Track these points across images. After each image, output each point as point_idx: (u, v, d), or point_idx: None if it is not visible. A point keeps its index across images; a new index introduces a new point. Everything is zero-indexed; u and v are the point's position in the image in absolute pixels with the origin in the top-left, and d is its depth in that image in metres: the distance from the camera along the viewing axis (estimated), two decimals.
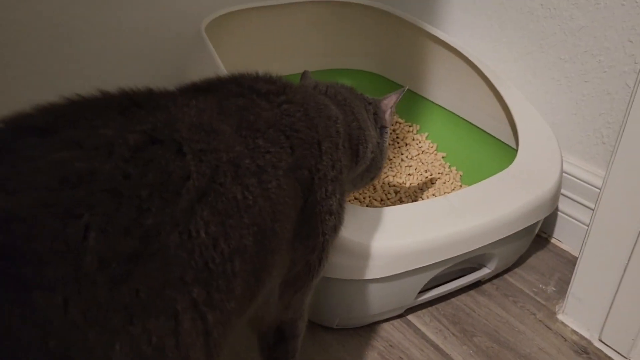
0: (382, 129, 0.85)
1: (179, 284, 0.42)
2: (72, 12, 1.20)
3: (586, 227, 0.90)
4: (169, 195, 0.42)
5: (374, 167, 0.85)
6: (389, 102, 0.86)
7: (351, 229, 0.80)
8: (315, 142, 0.63)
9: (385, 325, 0.93)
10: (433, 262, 0.86)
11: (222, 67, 1.01)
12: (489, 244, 0.91)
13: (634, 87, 0.79)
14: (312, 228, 0.63)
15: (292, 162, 0.58)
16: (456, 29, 1.33)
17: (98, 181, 0.39)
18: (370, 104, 0.83)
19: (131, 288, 0.39)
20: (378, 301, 0.88)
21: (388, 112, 0.86)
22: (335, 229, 0.68)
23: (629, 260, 0.84)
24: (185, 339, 0.41)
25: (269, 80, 0.65)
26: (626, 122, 0.81)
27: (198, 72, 1.12)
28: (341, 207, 0.68)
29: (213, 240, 0.44)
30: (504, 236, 0.92)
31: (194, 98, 0.54)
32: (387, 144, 0.87)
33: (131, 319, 0.38)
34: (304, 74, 0.89)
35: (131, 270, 0.39)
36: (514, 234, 0.94)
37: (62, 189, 0.38)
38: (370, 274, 0.83)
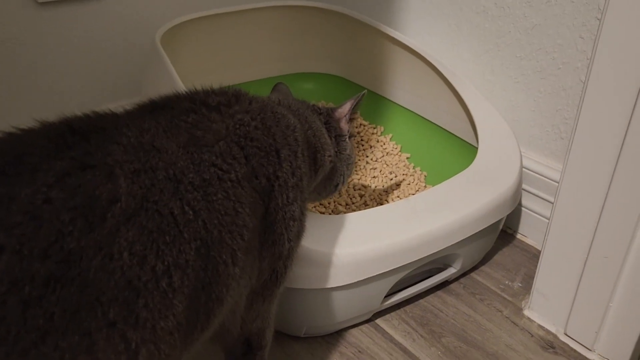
0: (337, 137, 0.84)
1: (95, 304, 0.42)
2: (27, 23, 1.17)
3: (548, 223, 0.91)
4: (94, 219, 0.43)
5: (336, 175, 0.85)
6: (343, 110, 0.86)
7: (313, 238, 0.80)
8: (273, 150, 0.64)
9: (354, 330, 0.93)
10: (397, 267, 0.86)
11: (177, 79, 1.00)
12: (453, 244, 0.91)
13: (585, 82, 0.80)
14: (278, 235, 0.64)
15: (246, 171, 0.59)
16: (414, 29, 1.33)
17: (16, 204, 0.40)
18: (321, 113, 0.84)
19: (46, 311, 0.39)
20: (344, 308, 0.88)
21: (343, 121, 0.86)
22: (299, 235, 0.69)
23: (588, 253, 0.86)
24: (100, 356, 0.42)
25: (220, 92, 0.66)
26: (579, 117, 0.82)
27: (154, 84, 1.11)
28: (303, 214, 0.70)
29: (139, 259, 0.45)
30: (467, 236, 0.92)
31: (139, 118, 0.55)
32: (348, 151, 0.87)
33: (43, 339, 0.39)
34: (277, 86, 0.89)
35: (46, 294, 0.39)
36: (478, 232, 0.95)
37: None
38: (335, 282, 0.82)
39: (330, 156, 0.80)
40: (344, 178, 0.87)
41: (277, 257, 0.64)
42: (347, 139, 0.86)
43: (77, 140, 0.46)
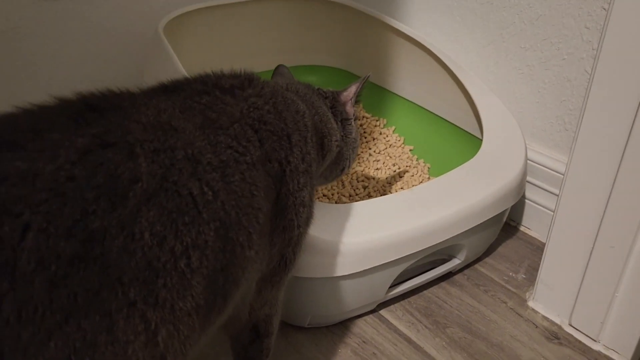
0: (343, 121, 0.84)
1: (115, 285, 0.41)
2: (28, 14, 1.16)
3: (553, 214, 0.91)
4: (116, 199, 0.42)
5: (342, 159, 0.85)
6: (349, 93, 0.86)
7: (319, 226, 0.79)
8: (285, 135, 0.64)
9: (358, 321, 0.93)
10: (402, 256, 0.85)
11: (181, 68, 0.99)
12: (458, 234, 0.91)
13: (591, 73, 0.80)
14: (288, 220, 0.64)
15: (260, 155, 0.58)
16: (418, 21, 1.33)
17: (41, 181, 0.39)
18: (327, 97, 0.83)
19: (70, 291, 0.38)
20: (349, 297, 0.87)
21: (348, 104, 0.86)
22: (308, 221, 0.69)
23: (594, 244, 0.85)
24: (120, 336, 0.41)
25: (233, 75, 0.65)
26: (585, 108, 0.82)
27: (157, 74, 1.10)
28: (312, 200, 0.70)
29: (159, 239, 0.44)
30: (472, 226, 0.92)
31: (155, 98, 0.54)
32: (354, 135, 0.87)
33: (67, 319, 0.38)
34: (278, 69, 0.89)
35: (71, 273, 0.38)
36: (482, 223, 0.94)
37: (1, 187, 0.37)
38: (340, 271, 0.82)
39: (336, 141, 0.80)
40: (349, 161, 0.87)
41: (286, 243, 0.64)
42: (353, 122, 0.86)
43: (96, 117, 0.45)
